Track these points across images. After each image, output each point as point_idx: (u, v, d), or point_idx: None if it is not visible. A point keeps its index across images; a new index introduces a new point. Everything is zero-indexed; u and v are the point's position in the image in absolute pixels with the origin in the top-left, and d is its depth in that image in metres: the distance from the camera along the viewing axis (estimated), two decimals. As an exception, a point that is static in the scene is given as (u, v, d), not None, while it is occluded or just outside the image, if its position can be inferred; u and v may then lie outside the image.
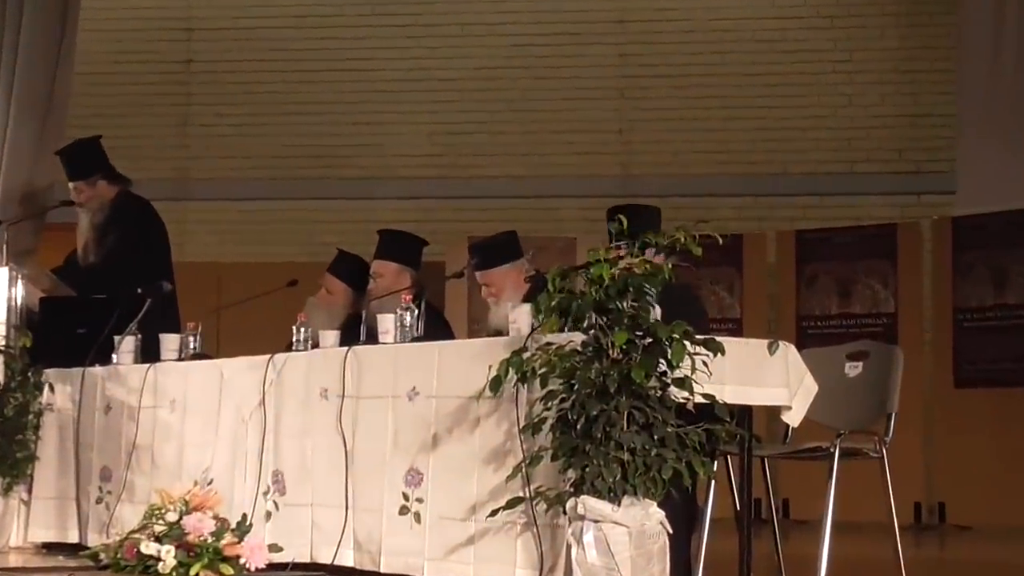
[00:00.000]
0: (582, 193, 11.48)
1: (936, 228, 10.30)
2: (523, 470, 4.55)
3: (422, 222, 10.20)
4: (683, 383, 4.28)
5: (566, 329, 4.46)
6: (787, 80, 11.58)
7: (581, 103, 11.76)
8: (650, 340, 4.28)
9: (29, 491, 6.98)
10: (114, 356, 6.66)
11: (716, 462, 5.12)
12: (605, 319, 4.30)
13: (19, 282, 7.13)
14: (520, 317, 4.94)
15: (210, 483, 5.90)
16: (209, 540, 5.14)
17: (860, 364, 5.39)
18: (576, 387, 4.29)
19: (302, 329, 5.85)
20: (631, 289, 4.30)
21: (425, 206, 11.53)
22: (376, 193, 11.73)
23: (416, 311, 5.52)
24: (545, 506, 4.46)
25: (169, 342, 6.47)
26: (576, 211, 11.49)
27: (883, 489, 5.23)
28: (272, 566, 5.29)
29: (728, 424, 4.38)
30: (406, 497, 5.16)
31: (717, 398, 4.39)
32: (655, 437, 4.23)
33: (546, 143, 11.78)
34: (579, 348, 4.34)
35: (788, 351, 4.93)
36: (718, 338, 4.42)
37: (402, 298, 5.61)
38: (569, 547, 4.34)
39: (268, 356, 5.86)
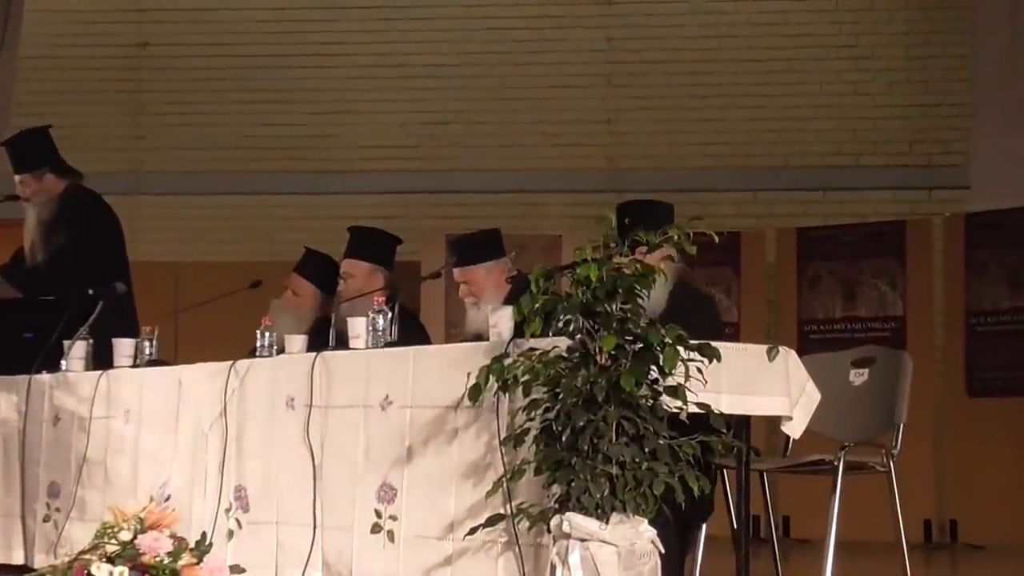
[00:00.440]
0: (567, 188, 11.51)
1: (948, 225, 10.33)
2: (504, 485, 4.57)
3: (395, 218, 10.20)
4: (676, 392, 4.28)
5: (551, 333, 4.47)
6: (788, 67, 11.60)
7: (566, 91, 11.78)
8: (641, 345, 4.28)
9: (-30, 509, 6.99)
10: (63, 363, 6.67)
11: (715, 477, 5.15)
12: (592, 323, 4.30)
13: (-40, 283, 7.14)
14: (501, 320, 4.96)
15: (167, 499, 5.89)
16: (166, 561, 5.13)
17: (866, 371, 5.43)
18: (561, 396, 4.29)
19: (266, 334, 5.87)
20: (620, 291, 4.31)
21: (399, 201, 11.53)
22: (346, 187, 11.73)
23: (389, 314, 5.54)
24: (528, 524, 4.46)
25: (123, 347, 6.48)
26: (561, 207, 11.52)
27: (891, 505, 5.26)
28: (234, 588, 5.31)
29: (724, 436, 4.38)
30: (379, 514, 5.17)
31: (713, 408, 4.40)
32: (646, 450, 4.23)
33: (528, 134, 11.80)
34: (564, 354, 4.35)
35: (789, 357, 4.96)
36: (714, 343, 4.42)
37: (374, 300, 5.64)
38: (553, 567, 4.34)
39: (230, 363, 5.88)
